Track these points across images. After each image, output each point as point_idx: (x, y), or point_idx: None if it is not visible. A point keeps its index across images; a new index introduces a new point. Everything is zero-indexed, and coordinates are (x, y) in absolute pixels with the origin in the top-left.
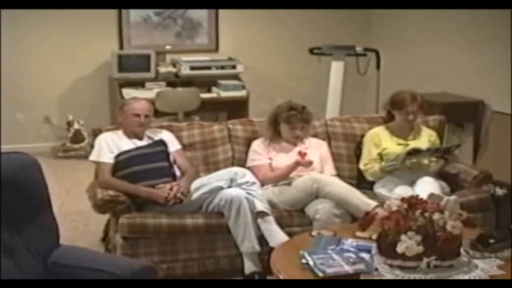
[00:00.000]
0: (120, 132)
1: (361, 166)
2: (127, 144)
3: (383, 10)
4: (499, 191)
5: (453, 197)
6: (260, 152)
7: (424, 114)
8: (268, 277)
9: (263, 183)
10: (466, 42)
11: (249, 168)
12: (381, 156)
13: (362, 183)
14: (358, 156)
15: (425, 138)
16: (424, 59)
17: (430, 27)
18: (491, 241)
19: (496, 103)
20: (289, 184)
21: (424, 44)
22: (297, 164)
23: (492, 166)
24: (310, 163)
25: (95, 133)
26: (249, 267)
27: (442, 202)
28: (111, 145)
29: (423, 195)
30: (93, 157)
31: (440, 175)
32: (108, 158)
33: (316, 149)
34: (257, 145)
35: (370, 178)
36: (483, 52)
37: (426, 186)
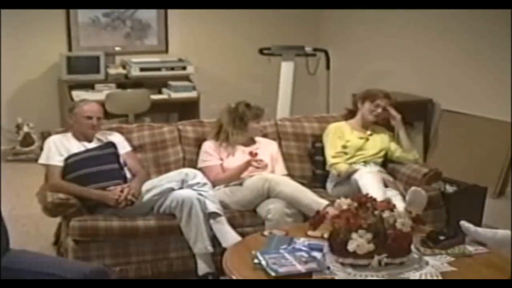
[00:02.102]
0: (69, 134)
1: (330, 159)
2: (76, 146)
3: (332, 11)
4: (449, 189)
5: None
6: (211, 153)
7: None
8: (222, 278)
9: (214, 184)
10: (415, 41)
11: (200, 169)
12: (345, 148)
13: (314, 182)
14: (311, 155)
15: (381, 135)
16: (374, 59)
17: (379, 27)
18: (441, 238)
19: (444, 101)
20: (240, 184)
21: (373, 44)
22: (248, 164)
23: (442, 164)
24: (264, 165)
25: (44, 136)
26: (203, 268)
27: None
28: (60, 147)
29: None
30: (42, 160)
31: (391, 173)
32: (57, 160)
33: (266, 149)
34: (208, 145)
35: (334, 172)
36: (431, 51)
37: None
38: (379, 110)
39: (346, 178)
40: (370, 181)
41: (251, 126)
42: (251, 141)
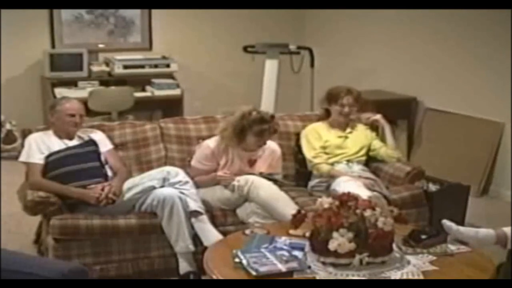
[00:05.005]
0: (50, 132)
1: (311, 159)
2: (57, 144)
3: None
4: (432, 187)
5: (374, 193)
6: (210, 158)
7: (360, 109)
8: (203, 277)
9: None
10: (399, 40)
11: (189, 165)
12: (324, 148)
13: (297, 180)
14: (294, 153)
15: (362, 133)
16: (358, 57)
17: (363, 25)
18: (423, 237)
19: (428, 100)
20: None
21: (358, 42)
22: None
23: (425, 162)
24: (231, 179)
25: (25, 134)
26: (184, 267)
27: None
28: (41, 145)
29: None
30: (23, 157)
31: (374, 172)
32: (38, 158)
33: (267, 158)
34: (212, 151)
35: (315, 172)
36: (416, 49)
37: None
38: (346, 109)
39: (325, 188)
40: (350, 189)
41: (249, 138)
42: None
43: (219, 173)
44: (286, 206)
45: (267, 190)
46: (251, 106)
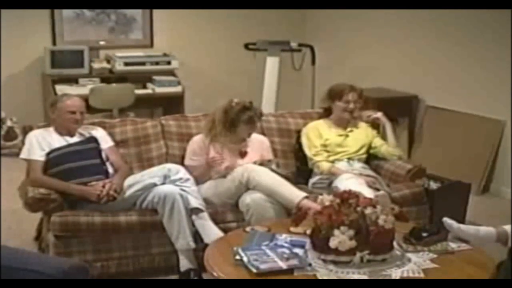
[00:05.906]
0: (51, 129)
1: (312, 157)
2: (58, 141)
3: None
4: (433, 185)
5: (381, 192)
6: (199, 153)
7: (363, 106)
8: (204, 274)
9: (198, 181)
10: (401, 38)
11: (185, 165)
12: (325, 146)
13: (298, 177)
14: (295, 151)
15: (363, 131)
16: (359, 55)
17: (364, 23)
18: (424, 234)
19: (429, 98)
20: (224, 177)
21: (359, 39)
22: (209, 165)
23: (426, 160)
24: (222, 159)
25: (26, 131)
26: (185, 264)
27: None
28: (42, 142)
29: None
30: (24, 154)
31: (375, 170)
32: (39, 155)
33: (258, 148)
34: (197, 144)
35: (316, 170)
36: (417, 47)
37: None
38: (351, 105)
39: (327, 185)
40: (351, 187)
41: (241, 128)
42: (242, 139)
43: (210, 156)
44: (291, 191)
45: (267, 176)
46: (229, 99)
